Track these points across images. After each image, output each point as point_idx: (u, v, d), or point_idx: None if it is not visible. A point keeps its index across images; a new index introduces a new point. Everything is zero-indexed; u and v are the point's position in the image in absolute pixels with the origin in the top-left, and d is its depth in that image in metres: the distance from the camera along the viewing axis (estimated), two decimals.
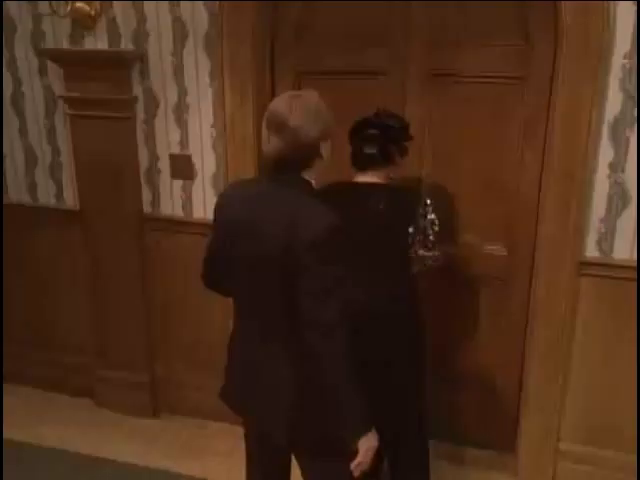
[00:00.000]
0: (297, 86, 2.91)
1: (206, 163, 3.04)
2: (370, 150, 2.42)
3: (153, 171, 3.12)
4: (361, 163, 2.46)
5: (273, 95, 2.95)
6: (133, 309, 3.27)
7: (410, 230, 2.42)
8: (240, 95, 2.85)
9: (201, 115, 2.97)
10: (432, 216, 2.45)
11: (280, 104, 1.78)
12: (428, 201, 2.45)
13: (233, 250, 1.87)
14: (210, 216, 3.03)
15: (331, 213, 1.75)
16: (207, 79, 2.91)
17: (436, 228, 2.45)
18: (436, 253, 2.48)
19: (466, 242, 2.98)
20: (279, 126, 1.75)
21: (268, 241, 1.75)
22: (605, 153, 2.52)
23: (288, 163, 1.79)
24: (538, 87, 2.67)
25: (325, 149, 1.82)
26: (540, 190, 2.77)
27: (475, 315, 3.08)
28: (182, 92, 2.96)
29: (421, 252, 2.47)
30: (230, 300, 2.66)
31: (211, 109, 2.95)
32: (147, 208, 3.17)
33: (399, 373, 2.54)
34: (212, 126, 2.97)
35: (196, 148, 3.03)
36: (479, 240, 2.96)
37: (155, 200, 3.15)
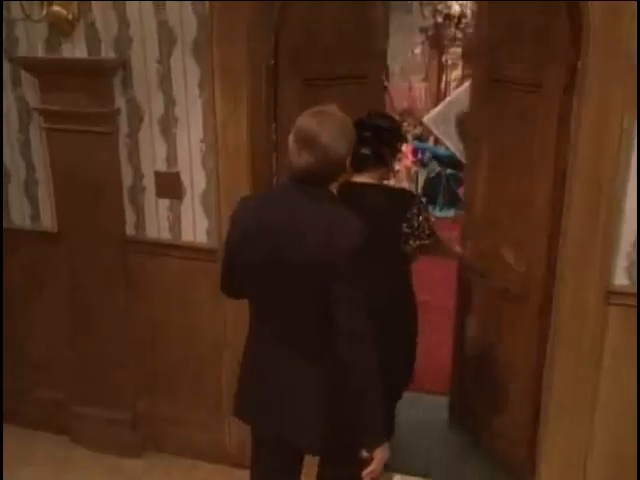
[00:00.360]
0: (300, 91, 2.74)
1: (195, 180, 2.79)
2: (365, 151, 2.48)
3: (137, 190, 2.86)
4: (357, 164, 2.47)
5: (270, 101, 2.77)
6: (115, 339, 3.00)
7: (404, 229, 2.47)
8: (233, 101, 2.61)
9: (190, 128, 2.73)
10: (426, 214, 2.54)
11: (309, 121, 1.85)
12: (423, 200, 2.57)
13: (262, 258, 1.90)
14: (200, 239, 2.88)
15: (361, 222, 1.86)
16: (196, 88, 2.67)
17: (430, 223, 2.54)
18: (427, 242, 2.54)
19: (485, 252, 2.92)
20: (309, 143, 1.82)
21: (304, 249, 1.83)
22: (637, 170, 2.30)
23: (317, 177, 1.87)
24: (554, 93, 2.49)
25: (348, 162, 1.93)
26: (558, 205, 2.55)
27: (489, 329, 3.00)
28: (169, 103, 2.71)
29: (417, 243, 2.52)
30: (220, 329, 2.70)
31: (201, 122, 2.70)
32: (131, 230, 2.91)
33: (397, 371, 2.56)
34: (202, 140, 2.73)
35: (185, 164, 2.78)
36: (501, 252, 2.86)
37: (139, 221, 2.89)
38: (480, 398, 3.13)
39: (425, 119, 4.51)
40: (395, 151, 2.61)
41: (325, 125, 1.83)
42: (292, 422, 1.95)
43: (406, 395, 2.79)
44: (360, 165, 2.49)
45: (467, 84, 4.62)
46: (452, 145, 4.29)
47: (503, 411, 2.97)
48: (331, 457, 2.17)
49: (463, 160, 4.31)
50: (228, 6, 2.49)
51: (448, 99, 4.87)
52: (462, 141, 4.28)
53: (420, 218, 2.50)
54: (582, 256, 2.42)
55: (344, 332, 1.81)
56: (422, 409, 3.46)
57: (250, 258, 1.94)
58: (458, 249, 3.00)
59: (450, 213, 6.06)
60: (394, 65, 8.85)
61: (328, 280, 1.80)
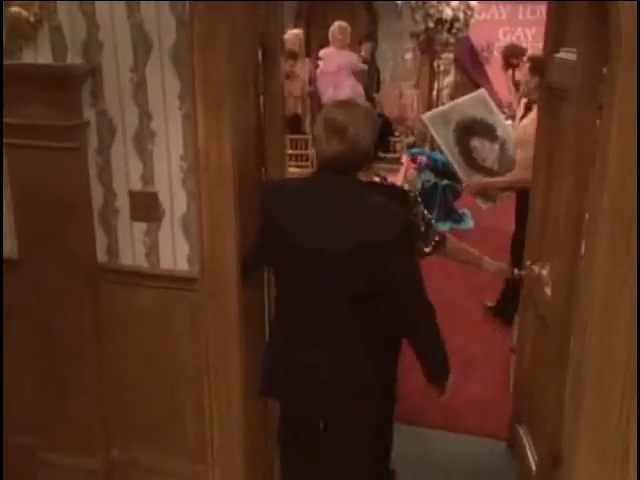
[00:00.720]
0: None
1: (175, 202, 2.50)
2: None
3: (109, 212, 2.56)
4: None
5: (258, 112, 2.55)
6: (85, 378, 2.68)
7: None
8: (216, 114, 2.31)
9: (169, 144, 2.43)
10: (421, 208, 2.51)
11: (338, 111, 1.98)
12: (419, 198, 2.55)
13: (295, 244, 1.99)
14: (181, 266, 2.55)
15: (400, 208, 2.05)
16: (176, 100, 2.38)
17: (427, 219, 2.52)
18: (428, 249, 2.53)
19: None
20: (340, 132, 1.93)
21: (341, 236, 1.92)
22: None
23: (347, 165, 1.97)
24: (580, 100, 2.27)
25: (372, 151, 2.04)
26: (579, 224, 2.34)
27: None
28: (145, 116, 2.42)
29: (420, 246, 2.50)
30: (202, 366, 2.49)
31: (181, 137, 2.41)
32: (102, 257, 2.61)
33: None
34: (182, 158, 2.44)
35: (163, 184, 2.49)
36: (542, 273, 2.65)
37: (112, 247, 2.59)
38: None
39: (424, 116, 4.28)
40: (386, 145, 2.60)
41: (353, 115, 1.95)
42: (324, 401, 2.08)
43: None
44: None
45: (478, 92, 4.38)
46: (447, 149, 4.07)
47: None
48: (341, 449, 2.25)
49: (457, 168, 4.08)
50: (212, 6, 2.20)
51: (453, 102, 4.63)
52: (458, 145, 4.08)
53: (416, 214, 2.45)
54: (610, 281, 2.13)
55: (415, 307, 2.04)
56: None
57: (281, 244, 2.04)
58: (477, 252, 2.75)
59: (445, 227, 5.81)
60: (384, 72, 8.63)
61: (371, 267, 1.93)
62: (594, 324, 2.19)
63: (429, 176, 6.00)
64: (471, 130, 4.06)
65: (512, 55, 5.43)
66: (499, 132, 4.00)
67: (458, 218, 5.84)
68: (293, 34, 6.79)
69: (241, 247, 2.45)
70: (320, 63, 7.18)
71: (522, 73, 4.04)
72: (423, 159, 5.99)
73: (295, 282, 2.06)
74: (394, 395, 2.63)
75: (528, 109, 4.10)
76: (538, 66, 3.75)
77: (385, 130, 2.64)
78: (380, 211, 1.97)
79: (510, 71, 5.27)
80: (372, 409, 2.17)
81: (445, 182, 5.72)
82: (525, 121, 3.94)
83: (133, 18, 2.31)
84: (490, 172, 3.98)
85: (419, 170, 6.00)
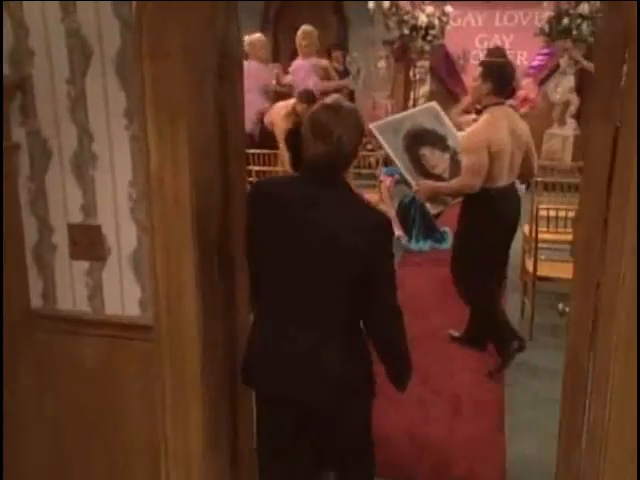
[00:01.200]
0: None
1: (123, 237, 2.14)
2: None
3: (44, 248, 2.19)
4: None
5: (226, 133, 2.27)
6: (14, 446, 2.30)
7: None
8: (170, 135, 1.97)
9: (114, 169, 2.08)
10: None
11: (325, 113, 2.00)
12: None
13: (283, 239, 2.02)
14: (131, 312, 2.13)
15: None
16: (122, 117, 2.03)
17: None
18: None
19: None
20: (325, 133, 1.96)
21: (325, 233, 1.96)
22: None
23: (332, 165, 2.00)
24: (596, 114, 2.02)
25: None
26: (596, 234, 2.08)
27: None
28: (85, 136, 2.07)
29: None
30: (157, 432, 2.18)
31: (129, 161, 2.07)
32: (37, 301, 2.24)
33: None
34: (131, 185, 2.08)
35: (107, 216, 2.13)
36: None
37: (48, 290, 2.22)
38: None
39: (372, 125, 4.10)
40: None
41: (339, 117, 1.97)
42: (315, 389, 2.05)
43: None
44: None
45: (429, 105, 4.26)
46: (395, 155, 3.91)
47: None
48: (348, 460, 2.30)
49: (405, 173, 3.94)
50: (163, 6, 1.85)
51: (404, 113, 4.55)
52: (406, 152, 3.92)
53: None
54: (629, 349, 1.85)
55: (384, 308, 2.03)
56: None
57: (269, 239, 2.05)
58: None
59: (426, 246, 5.52)
60: (356, 81, 8.32)
61: (359, 262, 1.95)
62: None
63: (405, 189, 5.71)
64: (420, 139, 4.04)
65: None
66: (450, 142, 4.04)
67: (439, 237, 5.56)
68: (256, 39, 6.43)
69: (202, 286, 2.10)
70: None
71: (472, 77, 3.81)
72: (396, 177, 5.73)
73: (280, 278, 2.07)
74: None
75: (478, 114, 3.88)
76: (490, 71, 3.53)
77: None
78: (363, 213, 2.01)
79: None
80: (363, 402, 2.19)
81: None
82: (470, 129, 3.81)
83: (69, 20, 1.95)
84: (440, 179, 3.95)
85: (396, 183, 5.73)
